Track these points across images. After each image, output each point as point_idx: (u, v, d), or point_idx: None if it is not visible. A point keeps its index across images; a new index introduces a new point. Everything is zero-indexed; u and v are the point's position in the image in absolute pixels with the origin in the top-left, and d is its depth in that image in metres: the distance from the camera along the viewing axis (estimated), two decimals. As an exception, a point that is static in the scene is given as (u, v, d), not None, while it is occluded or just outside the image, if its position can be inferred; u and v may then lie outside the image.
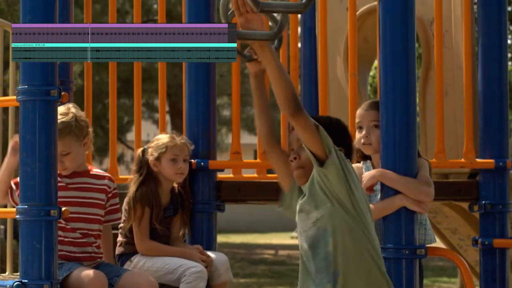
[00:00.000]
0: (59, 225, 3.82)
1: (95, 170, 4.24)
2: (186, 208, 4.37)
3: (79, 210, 4.08)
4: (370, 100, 4.13)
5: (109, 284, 3.94)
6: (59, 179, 3.92)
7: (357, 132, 3.98)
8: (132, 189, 4.29)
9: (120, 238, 4.34)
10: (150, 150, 4.33)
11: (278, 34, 3.06)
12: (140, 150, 4.39)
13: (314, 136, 3.18)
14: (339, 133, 3.32)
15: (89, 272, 3.87)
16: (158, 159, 4.29)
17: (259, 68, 3.29)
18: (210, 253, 4.31)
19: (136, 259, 4.25)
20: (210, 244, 4.41)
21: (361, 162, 4.03)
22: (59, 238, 3.83)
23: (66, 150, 4.06)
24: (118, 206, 4.27)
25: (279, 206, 3.44)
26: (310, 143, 3.20)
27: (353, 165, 4.00)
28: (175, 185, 4.37)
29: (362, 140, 3.93)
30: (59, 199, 3.74)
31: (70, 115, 4.09)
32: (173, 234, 4.36)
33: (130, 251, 4.29)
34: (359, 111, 4.00)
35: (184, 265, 4.15)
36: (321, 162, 3.19)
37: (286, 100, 3.16)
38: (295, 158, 3.29)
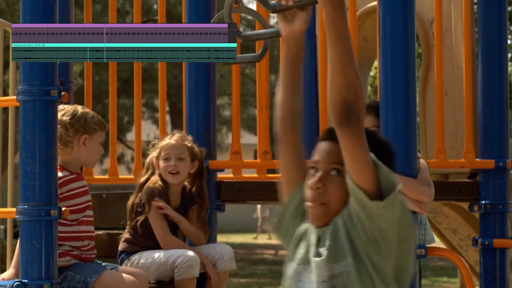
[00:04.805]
0: (89, 235, 4.01)
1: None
2: (201, 207, 4.36)
3: (90, 213, 4.10)
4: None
5: (87, 282, 3.93)
6: (81, 182, 3.98)
7: None
8: (139, 188, 4.32)
9: (125, 235, 4.35)
10: (152, 153, 4.38)
11: (262, 57, 3.04)
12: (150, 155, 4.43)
13: (364, 161, 2.34)
14: (391, 162, 2.55)
15: (126, 276, 3.96)
16: (157, 160, 4.32)
17: (294, 29, 2.48)
18: (215, 245, 4.34)
19: (133, 257, 4.26)
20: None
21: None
22: (80, 245, 3.92)
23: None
24: None
25: (272, 225, 2.59)
26: (356, 169, 2.34)
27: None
28: (188, 185, 4.38)
29: None
30: (85, 204, 3.97)
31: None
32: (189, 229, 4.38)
33: (131, 250, 4.29)
34: None
35: (173, 255, 4.16)
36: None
37: (341, 94, 2.30)
38: (318, 188, 2.40)
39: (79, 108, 4.11)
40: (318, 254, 2.38)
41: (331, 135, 2.42)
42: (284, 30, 2.49)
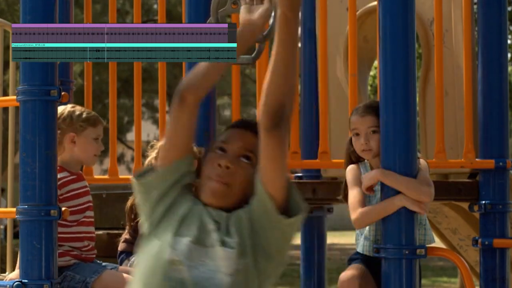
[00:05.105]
0: (89, 235, 4.00)
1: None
2: None
3: (91, 214, 4.10)
4: (362, 104, 4.11)
5: (87, 282, 3.93)
6: (82, 183, 3.98)
7: (353, 139, 3.97)
8: None
9: (125, 236, 4.35)
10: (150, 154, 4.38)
11: (256, 59, 3.06)
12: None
13: (283, 169, 2.33)
14: None
15: (126, 276, 3.95)
16: (156, 160, 4.32)
17: (252, 21, 2.49)
18: None
19: (133, 258, 4.27)
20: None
21: (359, 163, 4.02)
22: (80, 246, 3.91)
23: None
24: None
25: (138, 174, 2.45)
26: (273, 175, 2.32)
27: (349, 166, 4.00)
28: None
29: (362, 148, 3.92)
30: (86, 205, 3.95)
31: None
32: None
33: (130, 250, 4.29)
34: (354, 118, 3.98)
35: None
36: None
37: (280, 96, 2.26)
38: (227, 167, 2.38)
39: (68, 108, 4.11)
40: (224, 243, 2.33)
41: (245, 125, 2.48)
42: (243, 18, 2.51)
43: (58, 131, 3.97)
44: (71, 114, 4.08)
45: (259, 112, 2.32)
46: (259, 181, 2.33)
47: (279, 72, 2.31)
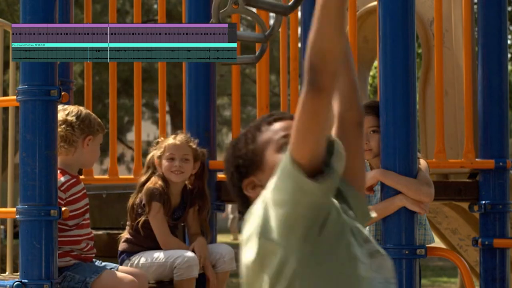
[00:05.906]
0: (88, 237, 3.99)
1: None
2: (202, 207, 4.36)
3: (88, 216, 4.10)
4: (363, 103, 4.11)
5: (86, 282, 3.93)
6: (81, 186, 3.97)
7: None
8: (139, 188, 4.32)
9: (125, 235, 4.35)
10: (154, 151, 4.37)
11: (269, 37, 3.04)
12: (151, 153, 4.43)
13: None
14: None
15: (125, 276, 3.95)
16: (159, 159, 4.32)
17: None
18: (215, 245, 4.37)
19: (133, 258, 4.26)
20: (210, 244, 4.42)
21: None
22: (80, 247, 3.91)
23: None
24: None
25: (329, 176, 1.86)
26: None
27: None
28: (189, 185, 4.38)
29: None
30: (85, 207, 3.95)
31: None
32: (190, 230, 4.38)
33: (131, 250, 4.29)
34: None
35: (172, 255, 4.16)
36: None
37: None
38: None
39: (82, 109, 4.12)
40: (380, 251, 2.02)
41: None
42: None
43: (77, 130, 3.98)
44: (88, 116, 4.07)
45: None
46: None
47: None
